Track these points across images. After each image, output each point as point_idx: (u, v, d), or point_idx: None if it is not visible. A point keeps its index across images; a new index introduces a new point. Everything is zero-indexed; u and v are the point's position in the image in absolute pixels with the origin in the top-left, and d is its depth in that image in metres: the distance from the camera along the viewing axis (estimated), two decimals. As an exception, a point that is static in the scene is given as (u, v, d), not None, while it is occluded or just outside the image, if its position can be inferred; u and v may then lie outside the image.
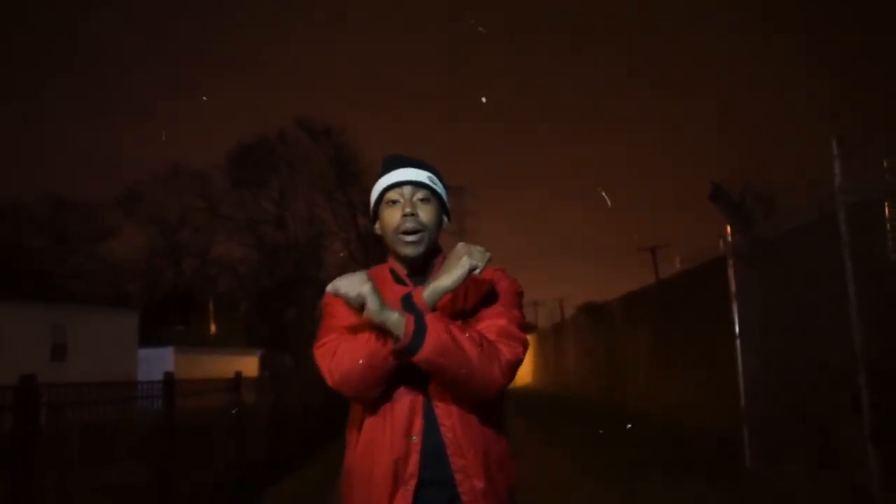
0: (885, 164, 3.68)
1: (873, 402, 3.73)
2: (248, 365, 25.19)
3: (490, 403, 1.33)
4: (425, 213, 1.37)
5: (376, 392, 1.29)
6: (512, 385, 1.40)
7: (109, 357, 19.07)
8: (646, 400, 10.95)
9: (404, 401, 1.30)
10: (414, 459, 1.27)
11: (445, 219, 1.43)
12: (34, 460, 2.91)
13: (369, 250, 31.34)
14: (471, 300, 1.36)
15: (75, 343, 18.56)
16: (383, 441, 1.29)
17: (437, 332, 1.21)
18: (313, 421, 8.78)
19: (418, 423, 1.29)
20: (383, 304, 1.22)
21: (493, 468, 1.30)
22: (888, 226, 3.65)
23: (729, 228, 5.81)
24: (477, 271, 1.27)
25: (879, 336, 3.74)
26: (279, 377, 10.95)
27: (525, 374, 26.83)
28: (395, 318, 1.22)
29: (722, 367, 6.49)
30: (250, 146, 34.94)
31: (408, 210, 1.36)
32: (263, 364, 27.76)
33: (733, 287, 5.77)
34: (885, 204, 3.65)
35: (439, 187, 1.41)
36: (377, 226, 1.43)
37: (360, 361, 1.24)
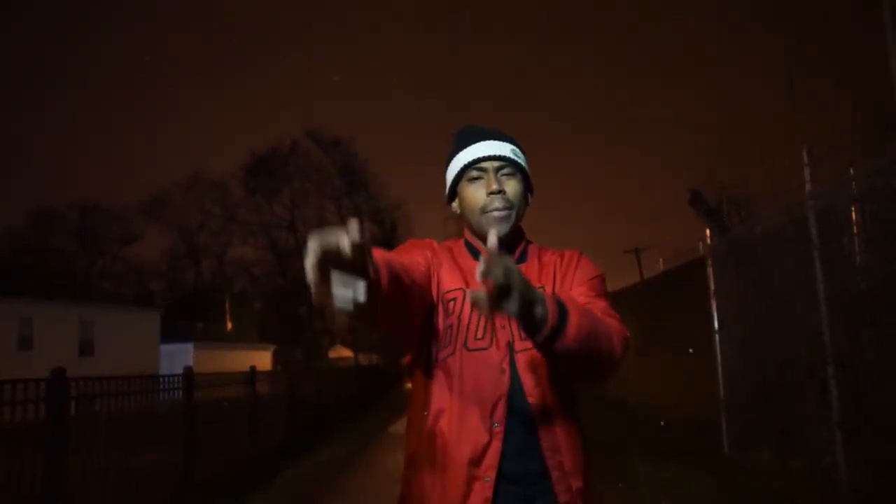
0: (851, 172, 3.70)
1: (840, 393, 3.74)
2: (262, 359, 25.18)
3: (575, 395, 1.14)
4: (511, 189, 1.15)
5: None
6: None
7: (134, 352, 19.06)
8: (629, 389, 10.96)
9: (486, 380, 1.06)
10: (496, 448, 1.04)
11: (529, 196, 1.21)
12: (66, 446, 2.93)
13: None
14: (566, 284, 1.14)
15: (102, 339, 18.55)
16: (460, 425, 1.05)
17: (576, 316, 0.94)
18: (326, 408, 8.78)
19: (501, 410, 1.05)
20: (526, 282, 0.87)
21: (589, 468, 1.11)
22: (854, 229, 3.66)
23: (708, 231, 5.84)
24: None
25: (846, 331, 3.75)
26: (292, 369, 10.97)
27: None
28: (539, 295, 0.90)
29: (701, 360, 6.50)
30: (264, 157, 35.05)
31: (494, 187, 1.13)
32: (276, 358, 27.74)
33: (712, 285, 5.79)
34: (852, 208, 3.66)
35: (523, 160, 1.19)
36: (454, 204, 1.20)
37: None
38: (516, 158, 1.18)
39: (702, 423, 6.37)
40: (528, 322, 0.91)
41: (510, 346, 1.09)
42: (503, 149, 1.17)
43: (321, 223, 35.26)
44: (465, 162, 1.17)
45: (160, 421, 4.19)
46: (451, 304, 1.11)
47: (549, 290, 1.13)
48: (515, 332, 1.10)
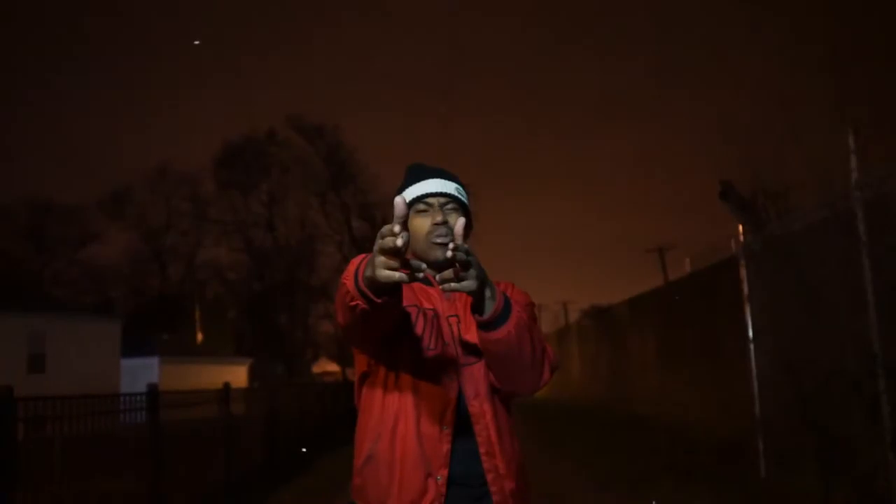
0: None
1: (893, 409, 3.73)
2: (238, 375, 25.14)
3: (510, 408, 1.43)
4: (455, 222, 1.43)
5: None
6: None
7: (91, 368, 19.01)
8: (653, 407, 10.95)
9: (438, 388, 1.34)
10: (446, 450, 1.32)
11: (469, 231, 1.51)
12: (14, 476, 2.90)
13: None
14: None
15: (55, 354, 18.51)
16: (416, 428, 1.32)
17: (518, 310, 1.27)
18: (310, 429, 8.76)
19: (450, 415, 1.33)
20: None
21: (520, 472, 1.39)
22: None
23: (740, 228, 5.82)
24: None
25: (899, 338, 3.74)
26: (271, 386, 10.95)
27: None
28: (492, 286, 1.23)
29: (734, 372, 6.49)
30: (239, 147, 34.99)
31: (439, 219, 1.43)
32: (253, 373, 27.70)
33: (745, 289, 5.77)
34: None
35: (465, 198, 1.50)
36: None
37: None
38: (460, 196, 1.48)
39: (735, 444, 6.36)
40: (479, 301, 1.21)
41: (455, 358, 1.37)
42: (448, 187, 1.48)
43: (303, 221, 35.32)
44: (415, 196, 1.46)
45: (122, 446, 4.16)
46: (409, 317, 1.36)
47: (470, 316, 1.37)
48: (459, 349, 1.39)
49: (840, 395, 4.28)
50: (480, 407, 1.35)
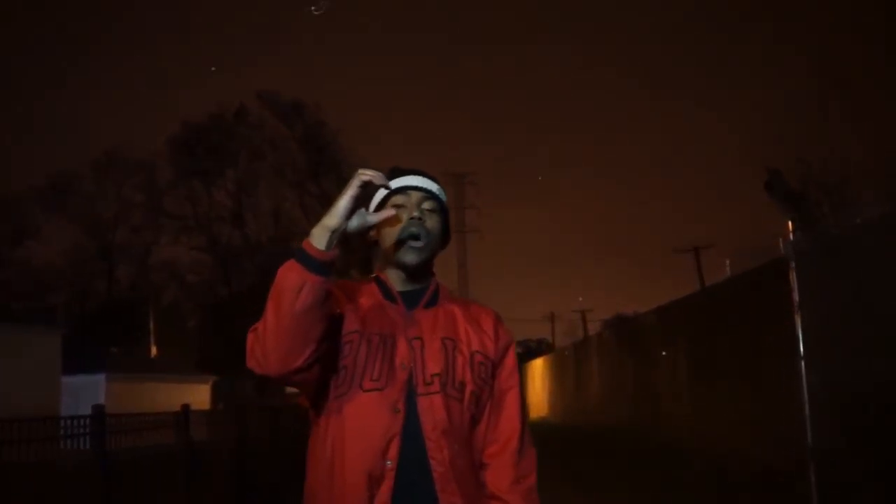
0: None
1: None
2: (199, 394, 25.13)
3: (472, 440, 1.53)
4: (432, 223, 1.53)
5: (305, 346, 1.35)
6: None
7: (26, 386, 18.96)
8: (685, 433, 10.97)
9: (380, 421, 1.42)
10: (387, 486, 1.39)
11: (446, 241, 1.62)
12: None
13: (347, 253, 31.35)
14: (473, 340, 1.53)
15: (-15, 369, 18.46)
16: (354, 462, 1.40)
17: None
18: (285, 458, 8.74)
19: (395, 449, 1.40)
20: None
21: None
22: None
23: (790, 224, 5.84)
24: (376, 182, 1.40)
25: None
26: (239, 408, 10.93)
27: (540, 406, 26.85)
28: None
29: (782, 394, 6.49)
30: (201, 127, 34.92)
31: (415, 214, 1.51)
32: (218, 393, 27.71)
33: (796, 295, 5.78)
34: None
35: (445, 203, 1.60)
36: (372, 233, 1.56)
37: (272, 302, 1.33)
38: (441, 197, 1.58)
39: (783, 477, 6.36)
40: None
41: (410, 386, 1.44)
42: (429, 184, 1.56)
43: (277, 215, 35.33)
44: (391, 189, 1.50)
45: (63, 478, 4.14)
46: (348, 346, 1.45)
47: (462, 345, 1.51)
48: (419, 375, 1.44)
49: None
50: (438, 440, 1.41)
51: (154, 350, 31.79)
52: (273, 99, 34.78)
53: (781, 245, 6.09)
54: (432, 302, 1.55)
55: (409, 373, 1.45)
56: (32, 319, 22.57)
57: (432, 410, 1.43)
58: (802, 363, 5.72)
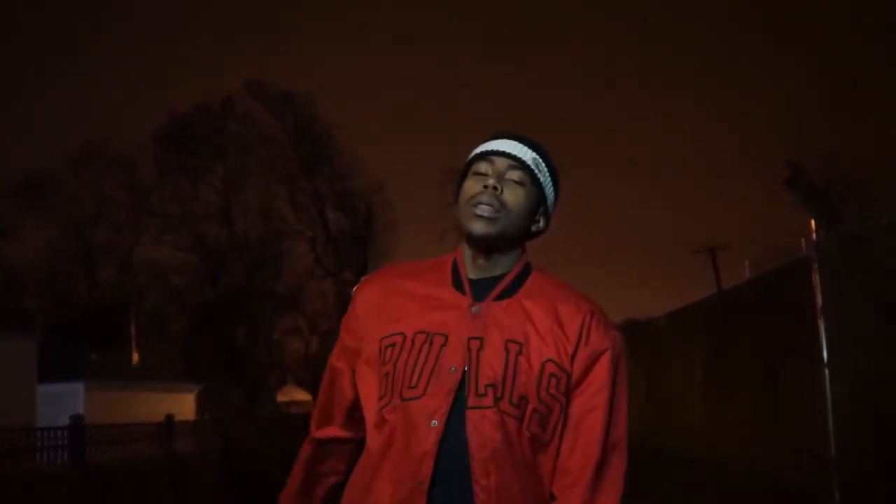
0: None
1: None
2: (184, 404, 25.15)
3: (539, 467, 1.34)
4: (512, 196, 1.35)
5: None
6: None
7: (0, 395, 18.98)
8: (700, 442, 10.98)
9: (416, 435, 1.28)
10: None
11: (541, 222, 1.42)
12: None
13: (342, 253, 31.37)
14: (547, 346, 1.33)
15: (-45, 377, 18.47)
16: (388, 480, 1.31)
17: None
18: (274, 471, 8.74)
19: (428, 467, 1.27)
20: None
21: None
22: None
23: (813, 223, 5.84)
24: None
25: None
26: (226, 419, 10.93)
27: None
28: None
29: (803, 402, 6.49)
30: (186, 120, 34.97)
31: (491, 181, 1.34)
32: (204, 402, 27.73)
33: (819, 298, 5.78)
34: None
35: (545, 177, 1.41)
36: (454, 210, 1.43)
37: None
38: (533, 167, 1.38)
39: (804, 489, 6.36)
40: None
41: (461, 396, 1.29)
42: (522, 151, 1.38)
43: (267, 213, 35.32)
44: (474, 153, 1.41)
45: (42, 490, 4.14)
46: (389, 350, 1.34)
47: (531, 351, 1.31)
48: (472, 383, 1.29)
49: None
50: (485, 462, 1.26)
51: (136, 356, 31.77)
52: (261, 89, 34.81)
53: (804, 245, 6.09)
54: (507, 293, 1.36)
55: (459, 379, 1.29)
56: (7, 324, 22.56)
57: (481, 427, 1.27)
58: (826, 370, 5.72)
